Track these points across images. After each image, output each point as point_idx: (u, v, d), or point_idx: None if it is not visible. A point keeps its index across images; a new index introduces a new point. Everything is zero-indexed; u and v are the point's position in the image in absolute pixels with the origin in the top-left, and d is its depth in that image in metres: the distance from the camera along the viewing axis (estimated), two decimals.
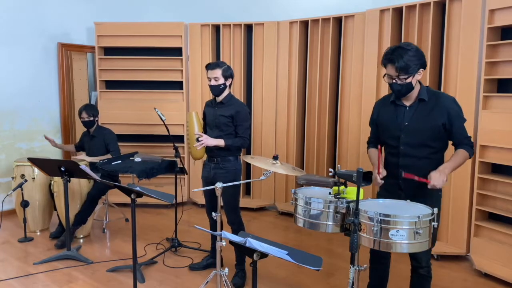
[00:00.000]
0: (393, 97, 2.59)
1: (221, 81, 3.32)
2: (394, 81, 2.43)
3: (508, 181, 3.45)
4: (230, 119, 3.35)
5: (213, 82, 3.33)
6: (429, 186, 2.35)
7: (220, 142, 3.31)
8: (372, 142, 2.80)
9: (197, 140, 3.26)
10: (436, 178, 2.34)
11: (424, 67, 2.45)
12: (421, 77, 2.48)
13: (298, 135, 5.25)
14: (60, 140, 5.65)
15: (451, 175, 3.85)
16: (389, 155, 2.64)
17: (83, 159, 4.37)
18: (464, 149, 2.46)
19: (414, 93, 2.50)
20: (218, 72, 3.30)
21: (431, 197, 2.46)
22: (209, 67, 3.35)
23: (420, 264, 2.56)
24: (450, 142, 2.58)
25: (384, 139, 2.67)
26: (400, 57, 2.36)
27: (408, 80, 2.40)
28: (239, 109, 3.36)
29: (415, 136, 2.50)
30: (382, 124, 2.67)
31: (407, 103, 2.54)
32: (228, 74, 3.34)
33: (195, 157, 3.54)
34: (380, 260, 2.79)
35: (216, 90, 3.35)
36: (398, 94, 2.49)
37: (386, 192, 2.60)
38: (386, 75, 2.46)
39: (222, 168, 3.39)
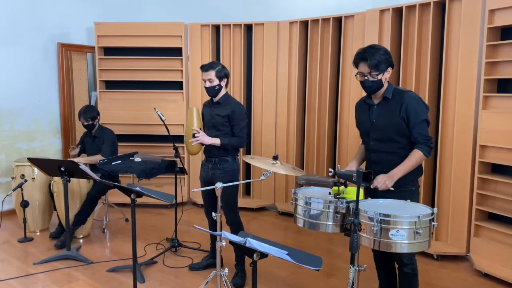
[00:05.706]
0: (365, 96, 2.70)
1: (216, 82, 3.31)
2: (366, 78, 2.54)
3: (508, 181, 3.45)
4: (226, 119, 3.35)
5: (207, 84, 3.32)
6: (372, 186, 2.45)
7: (216, 141, 3.31)
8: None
9: (194, 136, 3.28)
10: (379, 181, 2.45)
11: (392, 66, 2.57)
12: (390, 76, 2.60)
13: (298, 135, 5.25)
14: (60, 140, 5.65)
15: (450, 175, 3.87)
16: (366, 152, 2.76)
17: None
18: (419, 149, 2.51)
19: (382, 91, 2.60)
20: (211, 74, 3.29)
21: (404, 192, 2.52)
22: (203, 68, 3.33)
23: (402, 262, 2.58)
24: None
25: (361, 136, 2.82)
26: (372, 55, 2.49)
27: (379, 77, 2.53)
28: (234, 109, 3.35)
29: (382, 132, 2.60)
30: (358, 123, 2.80)
31: (376, 101, 2.64)
32: (222, 74, 3.33)
33: (191, 152, 3.54)
34: (384, 265, 2.83)
35: (212, 91, 3.35)
36: (369, 90, 2.60)
37: (366, 189, 2.64)
38: (358, 73, 2.57)
39: (220, 168, 3.39)
